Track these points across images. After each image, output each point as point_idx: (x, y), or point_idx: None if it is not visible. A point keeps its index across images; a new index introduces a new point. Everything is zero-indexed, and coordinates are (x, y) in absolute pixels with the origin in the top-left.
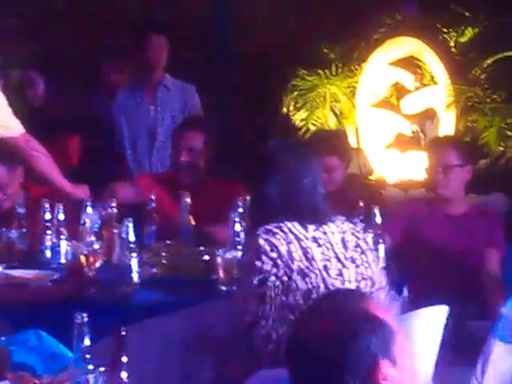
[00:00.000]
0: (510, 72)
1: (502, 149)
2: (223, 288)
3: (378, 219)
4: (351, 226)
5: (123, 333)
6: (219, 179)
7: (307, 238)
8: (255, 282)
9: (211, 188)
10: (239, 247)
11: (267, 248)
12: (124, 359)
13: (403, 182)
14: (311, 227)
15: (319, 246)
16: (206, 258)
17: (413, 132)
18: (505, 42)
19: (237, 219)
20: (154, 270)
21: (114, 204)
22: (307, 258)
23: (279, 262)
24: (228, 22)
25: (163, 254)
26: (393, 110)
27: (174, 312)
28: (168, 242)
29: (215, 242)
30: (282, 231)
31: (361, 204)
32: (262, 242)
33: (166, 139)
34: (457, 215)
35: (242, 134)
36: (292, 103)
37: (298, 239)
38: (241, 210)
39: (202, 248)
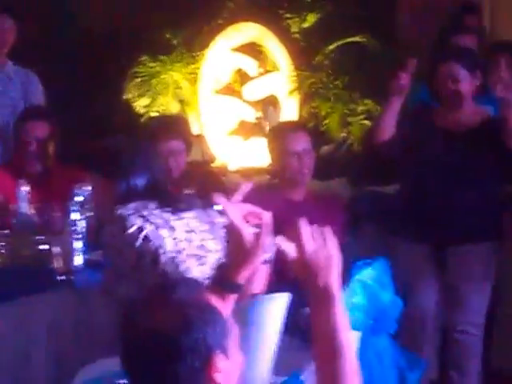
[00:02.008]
0: (352, 58)
1: (344, 135)
2: (61, 278)
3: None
4: (206, 213)
5: None
6: (67, 166)
7: (166, 222)
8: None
9: (58, 176)
10: (77, 236)
11: (124, 220)
12: None
13: (246, 169)
14: (168, 211)
15: (171, 228)
16: (44, 247)
17: (256, 118)
18: (347, 27)
19: (74, 207)
20: None
21: None
22: (152, 236)
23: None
24: (68, 8)
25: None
26: (236, 97)
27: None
28: (5, 231)
29: (56, 231)
30: (143, 209)
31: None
32: (121, 215)
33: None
34: (298, 201)
35: (83, 120)
36: (134, 90)
37: (156, 219)
38: (80, 198)
39: (39, 237)
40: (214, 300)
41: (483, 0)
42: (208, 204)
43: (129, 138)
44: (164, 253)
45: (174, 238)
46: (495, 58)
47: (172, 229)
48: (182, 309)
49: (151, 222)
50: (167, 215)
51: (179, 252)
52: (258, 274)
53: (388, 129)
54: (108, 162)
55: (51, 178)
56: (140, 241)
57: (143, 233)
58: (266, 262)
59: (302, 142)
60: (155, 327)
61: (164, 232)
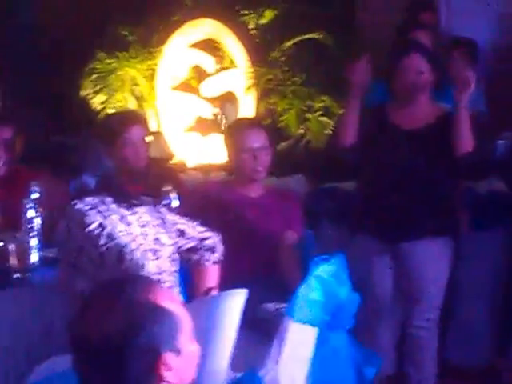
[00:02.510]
0: (309, 54)
1: (301, 131)
2: (17, 275)
3: (175, 203)
4: (157, 209)
5: None
6: (30, 168)
7: (122, 217)
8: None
9: (22, 178)
10: (33, 233)
11: (83, 215)
12: None
13: (203, 166)
14: (123, 206)
15: (128, 224)
16: None
17: (213, 115)
18: (304, 24)
19: (30, 205)
20: None
21: None
22: (115, 232)
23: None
24: (24, 5)
25: None
26: (193, 93)
27: None
28: None
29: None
30: (100, 204)
31: (165, 188)
32: (79, 210)
33: None
34: (256, 197)
35: (39, 118)
36: (91, 86)
37: (113, 214)
38: (36, 195)
39: None
40: (164, 297)
41: None
42: (160, 200)
43: (84, 134)
44: (128, 249)
45: (131, 233)
46: (452, 54)
47: (128, 224)
48: (130, 308)
49: (110, 218)
50: (123, 210)
51: (137, 247)
52: (209, 274)
53: (351, 132)
54: (62, 159)
55: (17, 181)
56: (104, 239)
57: (106, 230)
58: (215, 262)
59: (257, 139)
60: (103, 326)
61: (122, 227)
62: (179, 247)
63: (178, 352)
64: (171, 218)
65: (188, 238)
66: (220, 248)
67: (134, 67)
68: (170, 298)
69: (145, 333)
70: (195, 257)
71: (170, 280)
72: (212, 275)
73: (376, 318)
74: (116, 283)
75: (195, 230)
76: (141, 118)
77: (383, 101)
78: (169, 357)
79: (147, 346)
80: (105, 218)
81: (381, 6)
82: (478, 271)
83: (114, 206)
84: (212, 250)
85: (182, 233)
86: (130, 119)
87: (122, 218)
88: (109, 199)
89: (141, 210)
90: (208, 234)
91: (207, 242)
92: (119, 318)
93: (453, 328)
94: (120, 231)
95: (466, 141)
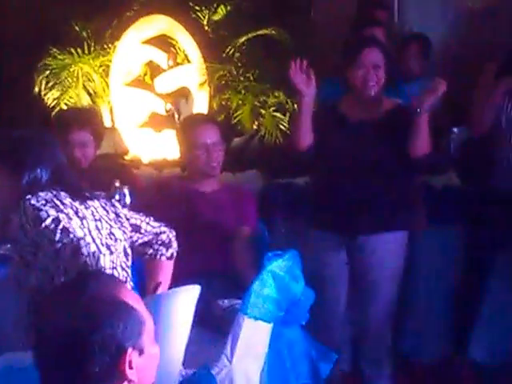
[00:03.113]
0: (263, 50)
1: (255, 127)
2: None
3: (128, 199)
4: (111, 204)
5: None
6: None
7: (76, 211)
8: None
9: None
10: None
11: (38, 210)
12: None
13: (158, 161)
14: (76, 201)
15: (83, 218)
16: None
17: (167, 111)
18: (257, 20)
19: None
20: None
21: None
22: (70, 227)
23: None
24: None
25: None
26: (147, 89)
27: None
28: None
29: None
30: (54, 199)
31: (116, 184)
32: (33, 205)
33: None
34: (209, 193)
35: None
36: (44, 83)
37: (68, 208)
38: None
39: None
40: (128, 294)
41: None
42: (111, 195)
43: (37, 130)
44: (83, 244)
45: (86, 227)
46: (406, 50)
47: (83, 218)
48: (93, 304)
49: (64, 213)
50: (77, 204)
51: (92, 241)
52: (163, 269)
53: (306, 135)
54: (13, 154)
55: None
56: (59, 234)
57: (61, 225)
58: (170, 257)
59: (210, 135)
60: (65, 323)
61: (76, 221)
62: (134, 242)
63: (140, 351)
64: (125, 212)
65: (143, 233)
66: (175, 244)
67: (87, 63)
68: (135, 297)
69: (109, 328)
70: (150, 251)
71: (124, 275)
72: (166, 270)
73: (331, 312)
74: (79, 278)
75: (150, 225)
76: (85, 121)
77: (337, 95)
78: (132, 354)
79: (111, 342)
80: (59, 212)
81: (334, 2)
82: (434, 266)
83: (68, 200)
84: (167, 245)
85: (136, 227)
86: (74, 122)
87: (77, 212)
88: (63, 193)
89: (95, 204)
90: (163, 228)
91: (162, 237)
92: (83, 313)
93: (408, 323)
94: (75, 226)
95: (423, 143)
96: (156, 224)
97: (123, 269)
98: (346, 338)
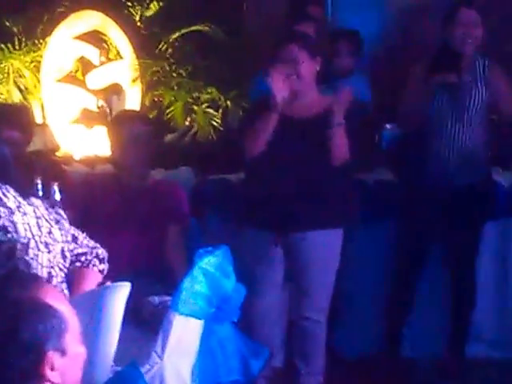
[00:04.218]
0: (195, 47)
1: (188, 123)
2: None
3: (58, 196)
4: (55, 211)
5: None
6: None
7: (19, 206)
8: None
9: None
10: None
11: None
12: None
13: (89, 158)
14: (21, 195)
15: (24, 214)
16: None
17: (99, 107)
18: (190, 16)
19: None
20: None
21: None
22: (12, 220)
23: None
24: None
25: None
26: (78, 85)
27: None
28: None
29: None
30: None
31: (38, 180)
32: None
33: None
34: (140, 189)
35: None
36: None
37: (10, 202)
38: None
39: None
40: (51, 295)
41: None
42: (51, 193)
43: None
44: (19, 242)
45: (27, 223)
46: (336, 46)
47: (24, 214)
48: (14, 304)
49: (7, 207)
50: (20, 199)
51: (31, 238)
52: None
53: (265, 141)
54: None
55: None
56: None
57: (0, 221)
58: (101, 271)
59: (139, 131)
60: None
61: (18, 217)
62: (70, 250)
63: (62, 352)
64: (66, 222)
65: (79, 244)
66: (107, 264)
67: (18, 59)
68: (58, 297)
69: (28, 330)
70: (83, 259)
71: (60, 275)
72: (94, 280)
73: (264, 309)
74: (1, 279)
75: (87, 240)
76: (12, 118)
77: (269, 91)
78: (53, 355)
79: (30, 344)
80: (1, 206)
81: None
82: (367, 262)
83: (11, 193)
84: (101, 260)
85: (74, 238)
86: (2, 120)
87: (19, 207)
88: (7, 187)
89: (37, 202)
90: (99, 246)
91: (98, 251)
92: (2, 314)
93: (341, 319)
94: (16, 220)
95: (341, 151)
96: (92, 242)
97: (61, 269)
98: (279, 333)
